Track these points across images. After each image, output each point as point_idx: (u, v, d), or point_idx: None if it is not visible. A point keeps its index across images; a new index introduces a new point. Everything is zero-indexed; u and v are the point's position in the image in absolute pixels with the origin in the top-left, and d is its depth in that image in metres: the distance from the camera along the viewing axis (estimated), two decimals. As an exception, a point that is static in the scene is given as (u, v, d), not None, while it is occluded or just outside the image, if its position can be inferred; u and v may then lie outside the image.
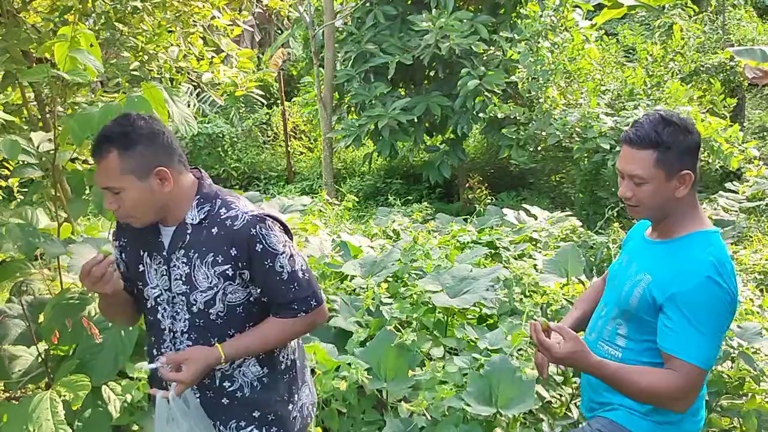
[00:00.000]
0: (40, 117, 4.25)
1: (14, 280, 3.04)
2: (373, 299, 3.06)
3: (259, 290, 1.85)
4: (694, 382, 1.73)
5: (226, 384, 1.87)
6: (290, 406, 1.97)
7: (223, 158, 13.81)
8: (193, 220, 1.81)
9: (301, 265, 1.89)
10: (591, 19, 9.53)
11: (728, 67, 10.85)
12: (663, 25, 11.94)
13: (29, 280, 3.00)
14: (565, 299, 3.66)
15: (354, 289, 3.57)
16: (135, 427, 2.78)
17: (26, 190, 3.86)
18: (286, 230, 1.90)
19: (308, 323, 1.92)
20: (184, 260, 1.81)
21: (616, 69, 9.62)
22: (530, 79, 8.79)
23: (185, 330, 1.84)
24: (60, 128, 3.03)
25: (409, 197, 10.60)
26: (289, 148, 13.98)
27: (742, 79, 11.14)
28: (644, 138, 1.80)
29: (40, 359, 3.05)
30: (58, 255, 2.76)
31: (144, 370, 1.90)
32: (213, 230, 1.80)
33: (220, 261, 1.78)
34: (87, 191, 2.90)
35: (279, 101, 14.71)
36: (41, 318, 2.82)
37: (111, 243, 1.98)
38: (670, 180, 1.81)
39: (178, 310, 1.84)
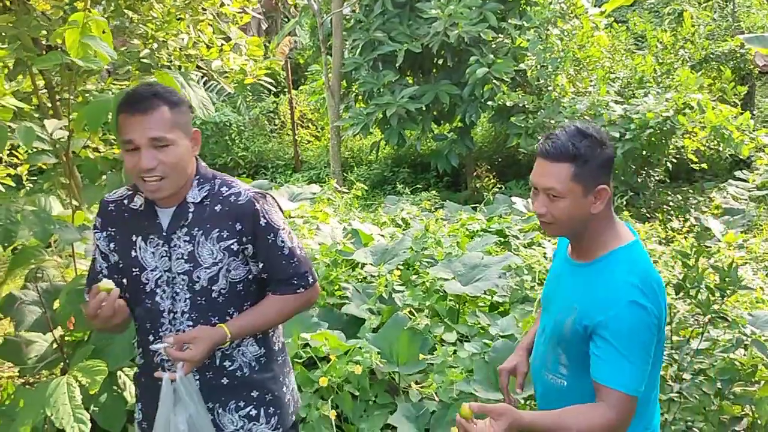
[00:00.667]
0: (49, 104, 4.27)
1: (28, 267, 3.05)
2: (385, 287, 3.07)
3: (261, 265, 1.89)
4: (626, 411, 1.67)
5: (227, 363, 1.89)
6: (284, 389, 2.02)
7: (230, 147, 13.81)
8: (194, 199, 1.84)
9: (298, 243, 1.96)
10: (600, 6, 9.47)
11: (738, 55, 10.79)
12: (672, 12, 11.88)
13: (43, 267, 3.02)
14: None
15: (365, 277, 3.59)
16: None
17: (35, 177, 3.87)
18: (280, 209, 1.97)
19: (306, 300, 1.98)
20: (186, 239, 1.82)
21: (626, 56, 9.57)
22: (539, 66, 8.76)
23: (186, 310, 1.84)
24: (73, 116, 3.05)
25: (417, 186, 10.59)
26: (296, 137, 13.98)
27: (752, 66, 11.08)
28: (561, 150, 1.70)
29: (54, 345, 3.09)
30: (73, 241, 2.77)
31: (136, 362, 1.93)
32: (216, 207, 1.84)
33: (225, 236, 1.82)
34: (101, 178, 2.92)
35: (286, 89, 14.70)
36: (56, 304, 2.84)
37: (93, 235, 1.92)
38: (586, 195, 1.72)
39: (178, 290, 1.83)
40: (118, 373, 2.71)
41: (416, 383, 2.89)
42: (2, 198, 2.83)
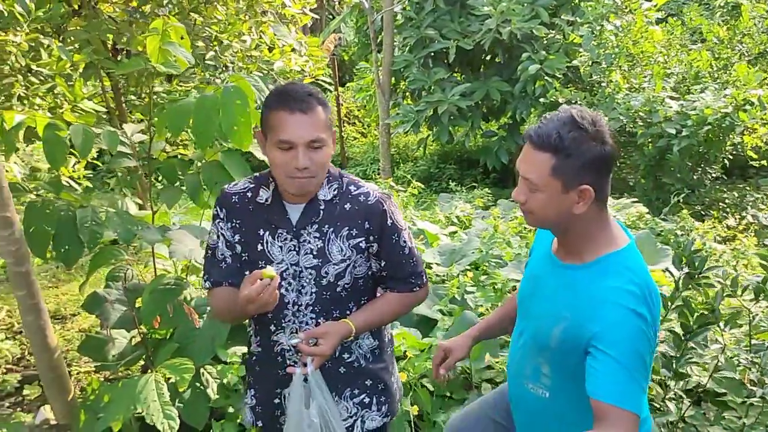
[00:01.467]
0: (115, 106, 4.38)
1: (109, 267, 3.14)
2: (458, 288, 3.08)
3: (382, 263, 1.94)
4: (631, 429, 1.47)
5: (345, 356, 1.96)
6: (393, 378, 2.10)
7: (278, 144, 13.86)
8: (325, 196, 1.88)
9: (414, 243, 2.01)
10: (651, 0, 9.31)
11: (795, 49, 10.49)
12: (725, 6, 11.60)
13: (123, 267, 3.11)
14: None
15: (430, 277, 3.60)
16: (230, 410, 2.86)
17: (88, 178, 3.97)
18: None
19: (419, 298, 2.06)
20: (317, 235, 1.86)
21: (681, 52, 9.39)
22: (592, 63, 8.65)
23: (310, 303, 1.89)
24: (142, 119, 3.12)
25: (464, 182, 10.56)
26: (342, 134, 14.05)
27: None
28: (543, 138, 1.54)
29: (133, 342, 3.18)
30: (155, 242, 2.85)
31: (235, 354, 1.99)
32: (346, 206, 1.88)
33: (354, 234, 1.87)
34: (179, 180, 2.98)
35: (332, 86, 14.77)
36: (138, 303, 2.92)
37: (215, 225, 1.94)
38: (566, 192, 1.55)
39: (305, 284, 1.88)
40: (201, 370, 2.78)
41: (490, 381, 2.92)
42: (84, 199, 2.91)
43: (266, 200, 1.90)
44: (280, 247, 1.87)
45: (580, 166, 1.53)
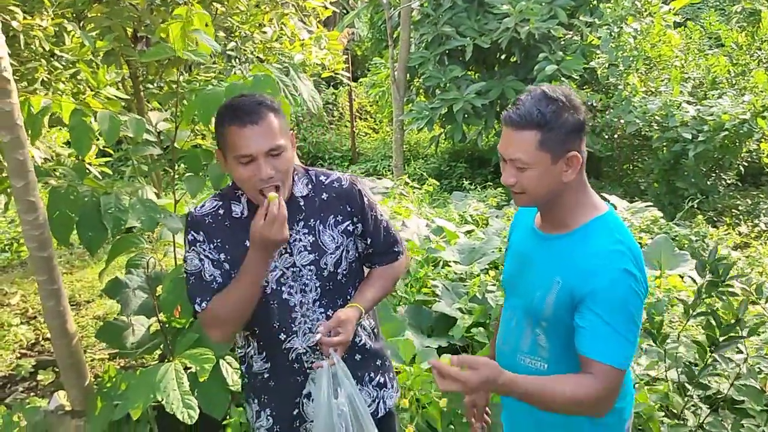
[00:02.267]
0: (133, 95, 4.37)
1: (129, 255, 3.14)
2: (479, 287, 3.07)
3: (368, 241, 1.99)
4: (613, 384, 1.58)
5: (356, 339, 1.99)
6: (388, 352, 2.19)
7: (288, 137, 13.85)
8: (301, 192, 1.90)
9: (386, 215, 2.10)
10: (668, 4, 9.27)
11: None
12: (742, 11, 11.53)
13: (142, 255, 3.10)
14: (660, 293, 3.60)
15: (446, 275, 3.59)
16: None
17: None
18: None
19: (405, 264, 2.15)
20: (305, 231, 1.88)
21: (699, 56, 9.34)
22: (609, 65, 8.61)
23: (317, 298, 1.90)
24: (170, 108, 3.11)
25: (475, 181, 10.53)
26: (354, 129, 14.03)
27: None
28: (525, 117, 1.60)
29: (152, 330, 3.17)
30: (178, 231, 2.84)
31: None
32: (323, 196, 1.92)
33: (340, 220, 1.92)
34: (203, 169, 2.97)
35: (344, 81, 14.74)
36: (158, 291, 2.92)
37: (194, 249, 1.87)
38: (555, 163, 1.63)
39: (307, 281, 1.89)
40: (220, 360, 2.77)
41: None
42: (108, 186, 2.90)
43: (242, 213, 1.88)
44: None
45: (564, 135, 1.61)
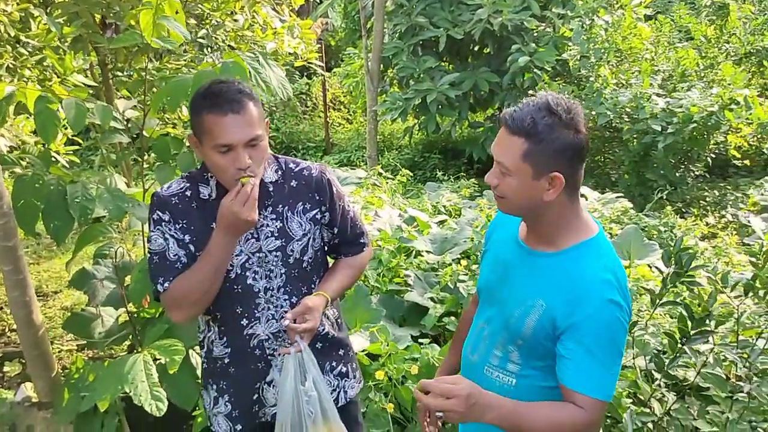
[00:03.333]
0: (101, 82, 4.30)
1: (97, 244, 3.09)
2: (450, 276, 3.08)
3: (335, 230, 2.00)
4: (599, 416, 1.55)
5: (319, 329, 1.98)
6: (351, 344, 2.19)
7: (261, 127, 13.74)
8: (270, 178, 1.89)
9: (352, 206, 2.11)
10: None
11: (778, 50, 10.60)
12: (712, 5, 11.69)
13: (110, 244, 3.06)
14: (630, 282, 3.64)
15: (418, 264, 3.59)
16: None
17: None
18: None
19: (368, 256, 2.16)
20: (273, 216, 1.88)
21: (669, 49, 9.46)
22: (581, 57, 8.68)
23: (282, 285, 1.90)
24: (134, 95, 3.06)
25: (448, 172, 10.56)
26: (327, 119, 13.97)
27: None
28: (518, 123, 1.51)
29: (120, 321, 3.13)
30: (146, 220, 2.80)
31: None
32: (292, 183, 1.92)
33: (308, 207, 1.92)
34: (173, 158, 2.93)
35: (318, 71, 14.66)
36: (127, 281, 2.88)
37: (159, 228, 1.84)
38: (537, 179, 1.53)
39: (272, 267, 1.88)
40: (190, 351, 2.75)
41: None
42: (75, 175, 2.85)
43: (210, 196, 1.85)
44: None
45: (552, 152, 1.51)
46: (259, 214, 1.83)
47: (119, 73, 4.62)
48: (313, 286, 1.96)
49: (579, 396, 1.53)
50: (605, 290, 1.54)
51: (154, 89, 3.35)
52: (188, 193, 1.86)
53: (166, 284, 1.83)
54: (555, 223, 1.62)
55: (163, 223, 1.84)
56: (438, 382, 1.50)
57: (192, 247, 1.84)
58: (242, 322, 1.91)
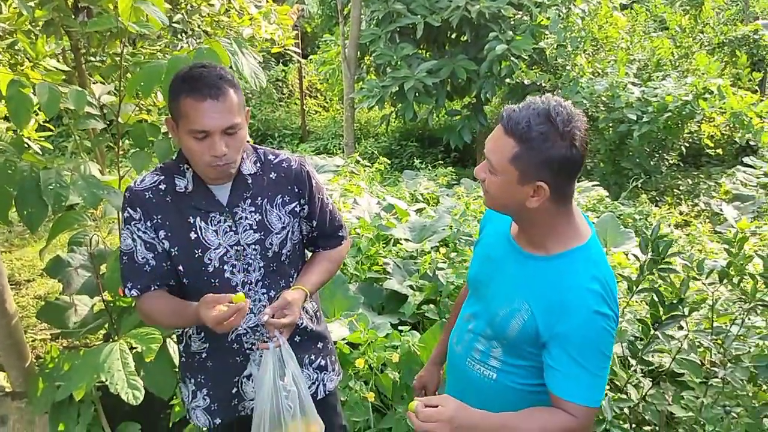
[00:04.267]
0: (74, 67, 4.22)
1: (72, 232, 3.04)
2: (429, 264, 3.08)
3: (313, 224, 1.99)
4: (590, 422, 1.56)
5: (299, 322, 1.98)
6: (330, 336, 2.20)
7: (237, 114, 13.62)
8: (249, 170, 1.86)
9: (330, 199, 2.11)
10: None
11: (752, 40, 10.74)
12: (685, -5, 11.81)
13: (85, 232, 3.02)
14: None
15: (397, 252, 3.60)
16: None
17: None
18: None
19: (347, 249, 2.16)
20: (252, 209, 1.85)
21: (644, 39, 9.53)
22: (558, 46, 8.71)
23: (260, 278, 1.89)
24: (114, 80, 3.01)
25: (426, 160, 10.57)
26: (304, 107, 13.89)
27: (766, 53, 11.03)
28: (513, 124, 1.47)
29: (95, 310, 3.09)
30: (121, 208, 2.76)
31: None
32: (272, 175, 1.90)
33: (287, 200, 1.90)
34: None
35: (294, 58, 14.55)
36: (102, 269, 2.85)
37: (129, 227, 1.83)
38: (522, 184, 1.50)
39: (251, 261, 1.86)
40: (167, 340, 2.72)
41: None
42: (49, 161, 2.80)
43: (186, 188, 1.82)
44: (215, 231, 1.82)
45: (540, 161, 1.47)
46: (237, 207, 1.83)
47: (92, 58, 4.54)
48: (291, 279, 1.95)
49: (570, 404, 1.55)
50: (592, 301, 1.53)
51: (128, 75, 3.30)
52: (162, 186, 1.83)
53: (133, 291, 1.85)
54: (542, 227, 1.60)
55: (133, 222, 1.82)
56: (423, 404, 1.51)
57: (166, 243, 1.82)
58: None
